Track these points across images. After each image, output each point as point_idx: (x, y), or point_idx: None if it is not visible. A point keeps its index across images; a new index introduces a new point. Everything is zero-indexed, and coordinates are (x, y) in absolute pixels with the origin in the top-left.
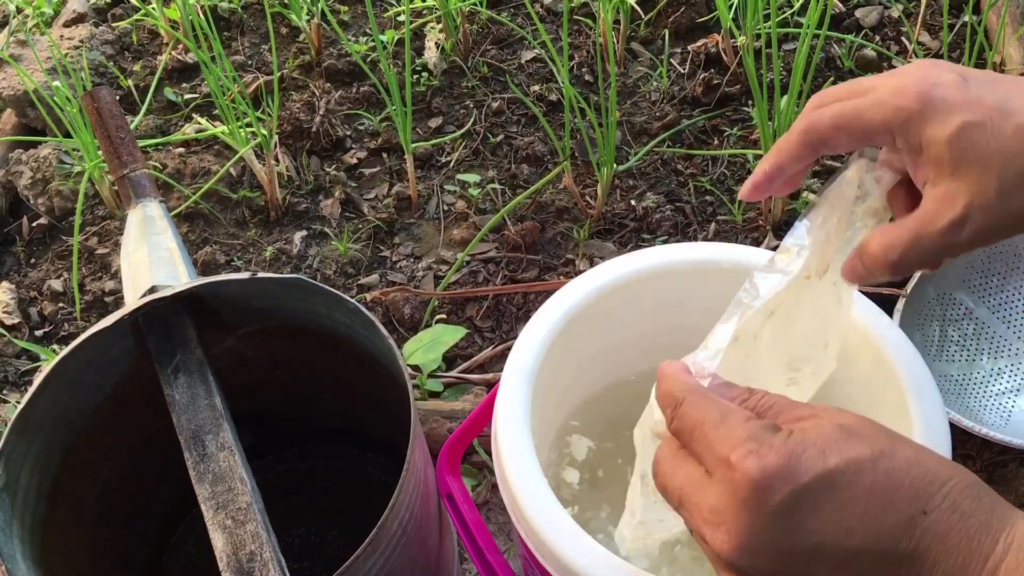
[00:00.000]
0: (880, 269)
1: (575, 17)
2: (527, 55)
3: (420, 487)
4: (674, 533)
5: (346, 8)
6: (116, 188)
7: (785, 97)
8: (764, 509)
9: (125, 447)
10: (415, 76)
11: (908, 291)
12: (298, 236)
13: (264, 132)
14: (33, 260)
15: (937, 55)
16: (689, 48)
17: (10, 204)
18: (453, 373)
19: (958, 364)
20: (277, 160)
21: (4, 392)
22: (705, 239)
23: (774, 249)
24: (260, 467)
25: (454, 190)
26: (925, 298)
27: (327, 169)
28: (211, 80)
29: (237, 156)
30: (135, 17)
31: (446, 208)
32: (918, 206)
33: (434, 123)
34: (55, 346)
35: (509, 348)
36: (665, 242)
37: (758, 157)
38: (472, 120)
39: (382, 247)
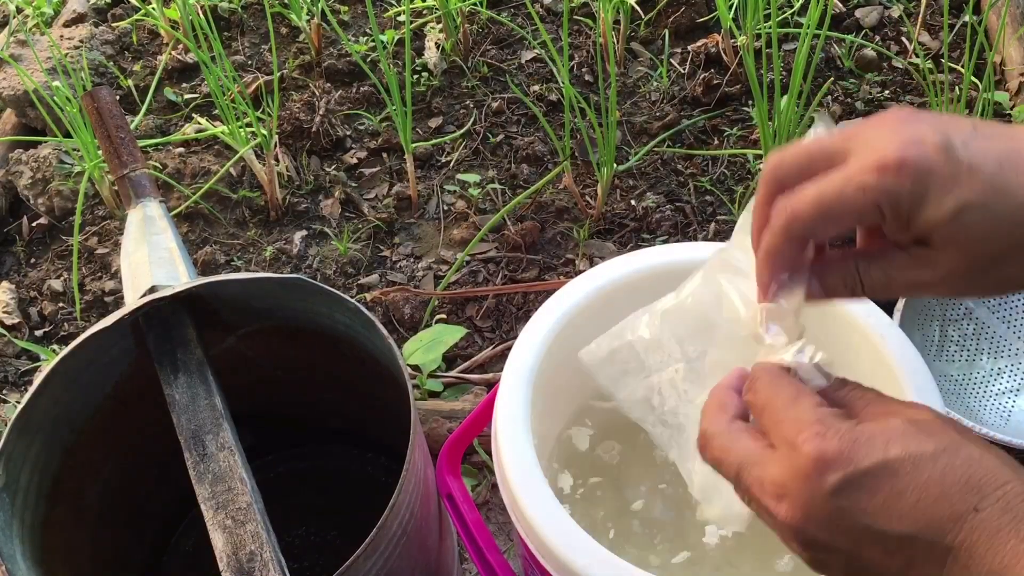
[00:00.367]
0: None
1: (575, 17)
2: (527, 55)
3: (420, 487)
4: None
5: (346, 8)
6: (116, 188)
7: (785, 97)
8: (822, 487)
9: (125, 447)
10: (415, 76)
11: None
12: (298, 236)
13: (264, 132)
14: (33, 260)
15: (937, 55)
16: (689, 48)
17: (10, 204)
18: (453, 373)
19: (958, 364)
20: (277, 160)
21: (4, 392)
22: (705, 239)
23: None
24: (260, 467)
25: (454, 190)
26: (925, 298)
27: (327, 169)
28: (211, 80)
29: (237, 156)
30: (135, 17)
31: (446, 208)
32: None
33: (434, 123)
34: (55, 346)
35: (509, 348)
36: (665, 242)
37: (758, 157)
38: (472, 120)
39: (382, 247)
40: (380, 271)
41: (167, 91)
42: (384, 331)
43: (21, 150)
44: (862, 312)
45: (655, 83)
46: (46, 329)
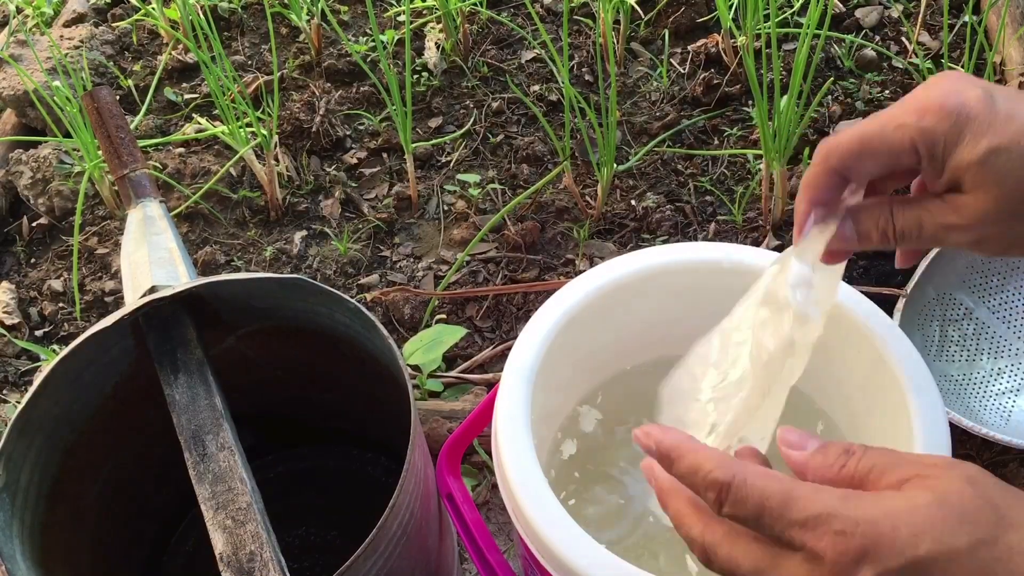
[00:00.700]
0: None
1: (575, 17)
2: (527, 55)
3: (420, 487)
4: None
5: (346, 8)
6: (116, 188)
7: (785, 97)
8: None
9: (125, 447)
10: (415, 76)
11: (908, 291)
12: (298, 236)
13: (264, 132)
14: (33, 260)
15: (937, 55)
16: (689, 48)
17: (10, 204)
18: (453, 373)
19: (958, 364)
20: (277, 160)
21: (4, 392)
22: (705, 239)
23: (775, 249)
24: (260, 467)
25: (454, 190)
26: (925, 298)
27: (327, 169)
28: (211, 80)
29: (237, 156)
30: (135, 17)
31: (446, 208)
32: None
33: (434, 123)
34: (55, 346)
35: (509, 348)
36: (665, 242)
37: (758, 157)
38: (472, 120)
39: (382, 247)
40: (380, 271)
41: (167, 91)
42: (384, 331)
43: (21, 150)
44: (862, 312)
45: (655, 83)
46: (46, 329)
